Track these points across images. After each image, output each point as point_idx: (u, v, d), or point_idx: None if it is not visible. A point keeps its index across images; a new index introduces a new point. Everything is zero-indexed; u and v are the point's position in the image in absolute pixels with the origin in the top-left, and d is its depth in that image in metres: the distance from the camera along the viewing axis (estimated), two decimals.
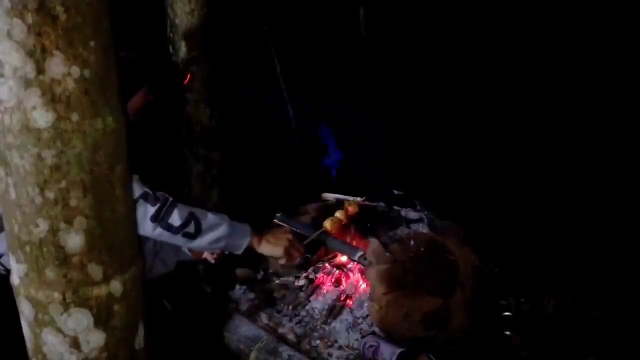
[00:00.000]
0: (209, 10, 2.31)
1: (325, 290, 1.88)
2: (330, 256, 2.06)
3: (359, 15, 2.92)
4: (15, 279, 1.07)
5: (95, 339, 1.07)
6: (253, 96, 3.04)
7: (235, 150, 2.51)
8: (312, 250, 2.02)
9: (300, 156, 2.94)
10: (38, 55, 0.89)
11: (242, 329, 1.73)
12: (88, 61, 0.94)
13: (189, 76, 2.28)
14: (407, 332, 1.60)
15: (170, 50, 2.37)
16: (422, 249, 1.69)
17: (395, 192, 2.08)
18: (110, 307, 1.07)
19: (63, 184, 0.96)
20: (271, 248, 1.74)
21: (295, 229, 1.97)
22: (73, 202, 0.98)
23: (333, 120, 2.90)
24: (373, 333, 1.66)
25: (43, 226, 0.98)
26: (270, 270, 2.00)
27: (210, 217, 1.58)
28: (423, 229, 1.94)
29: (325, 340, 1.68)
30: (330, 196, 2.24)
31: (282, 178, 2.74)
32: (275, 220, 2.03)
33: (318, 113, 2.96)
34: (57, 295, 1.02)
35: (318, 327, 1.73)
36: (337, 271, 1.96)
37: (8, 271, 1.18)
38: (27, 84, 0.90)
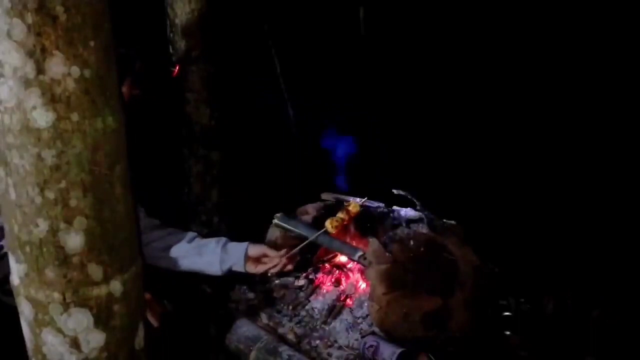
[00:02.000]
0: (209, 10, 2.31)
1: (325, 290, 1.88)
2: (330, 256, 2.06)
3: (359, 14, 2.92)
4: (15, 279, 1.07)
5: (95, 339, 1.07)
6: (252, 96, 3.04)
7: (235, 150, 2.51)
8: (312, 251, 2.02)
9: (299, 156, 2.94)
10: (38, 55, 0.89)
11: (242, 329, 1.73)
12: (88, 61, 0.94)
13: (177, 68, 2.24)
14: (407, 332, 1.60)
15: (170, 50, 2.37)
16: (422, 249, 1.69)
17: (395, 192, 2.08)
18: (110, 307, 1.07)
19: (63, 184, 0.96)
20: None
21: (295, 229, 1.97)
22: (73, 202, 0.98)
23: (332, 120, 2.90)
24: (373, 333, 1.66)
25: (43, 226, 0.98)
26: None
27: None
28: (423, 229, 1.94)
29: (325, 340, 1.68)
30: (330, 196, 2.24)
31: (281, 178, 2.74)
32: (275, 221, 2.03)
33: (320, 113, 2.96)
34: (57, 295, 1.02)
35: (318, 327, 1.73)
36: (337, 271, 1.96)
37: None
38: (27, 84, 0.90)
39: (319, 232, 1.91)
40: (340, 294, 1.85)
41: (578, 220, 2.30)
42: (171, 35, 2.35)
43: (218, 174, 2.48)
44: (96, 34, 0.95)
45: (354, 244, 1.98)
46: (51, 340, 1.06)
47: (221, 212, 2.44)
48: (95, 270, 1.04)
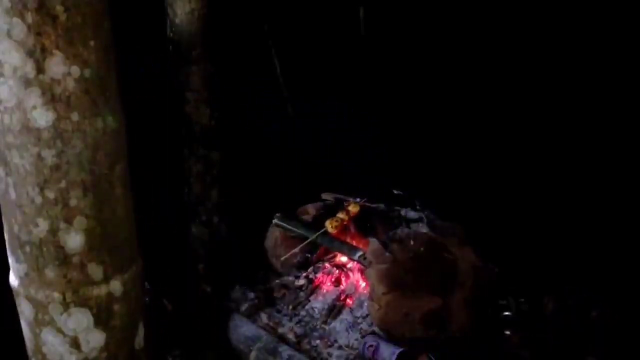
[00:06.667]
0: (209, 10, 2.31)
1: (325, 290, 1.88)
2: (330, 256, 2.06)
3: (359, 14, 2.92)
4: (15, 279, 1.07)
5: (95, 339, 1.07)
6: (252, 96, 3.04)
7: (235, 150, 2.51)
8: (312, 250, 2.02)
9: (299, 156, 2.94)
10: (38, 55, 0.89)
11: (242, 329, 1.73)
12: (88, 61, 0.93)
13: None
14: (407, 332, 1.60)
15: (170, 50, 2.37)
16: (422, 249, 1.69)
17: (395, 192, 2.08)
18: (110, 307, 1.07)
19: (63, 184, 0.96)
20: None
21: (295, 229, 1.97)
22: (73, 202, 0.98)
23: (333, 119, 2.90)
24: (373, 333, 1.66)
25: (43, 226, 0.98)
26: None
27: None
28: (423, 229, 1.94)
29: (325, 340, 1.68)
30: (330, 196, 2.24)
31: (281, 178, 2.74)
32: (275, 221, 2.03)
33: (320, 113, 2.96)
34: (57, 295, 1.02)
35: (318, 326, 1.73)
36: (337, 271, 1.96)
37: None
38: (27, 83, 0.90)
39: (319, 232, 1.91)
40: (340, 294, 1.85)
41: (578, 219, 2.29)
42: (171, 35, 2.35)
43: (218, 174, 2.47)
44: (96, 33, 0.95)
45: (354, 244, 1.98)
46: (51, 340, 1.06)
47: (221, 212, 2.43)
48: (95, 270, 1.04)
